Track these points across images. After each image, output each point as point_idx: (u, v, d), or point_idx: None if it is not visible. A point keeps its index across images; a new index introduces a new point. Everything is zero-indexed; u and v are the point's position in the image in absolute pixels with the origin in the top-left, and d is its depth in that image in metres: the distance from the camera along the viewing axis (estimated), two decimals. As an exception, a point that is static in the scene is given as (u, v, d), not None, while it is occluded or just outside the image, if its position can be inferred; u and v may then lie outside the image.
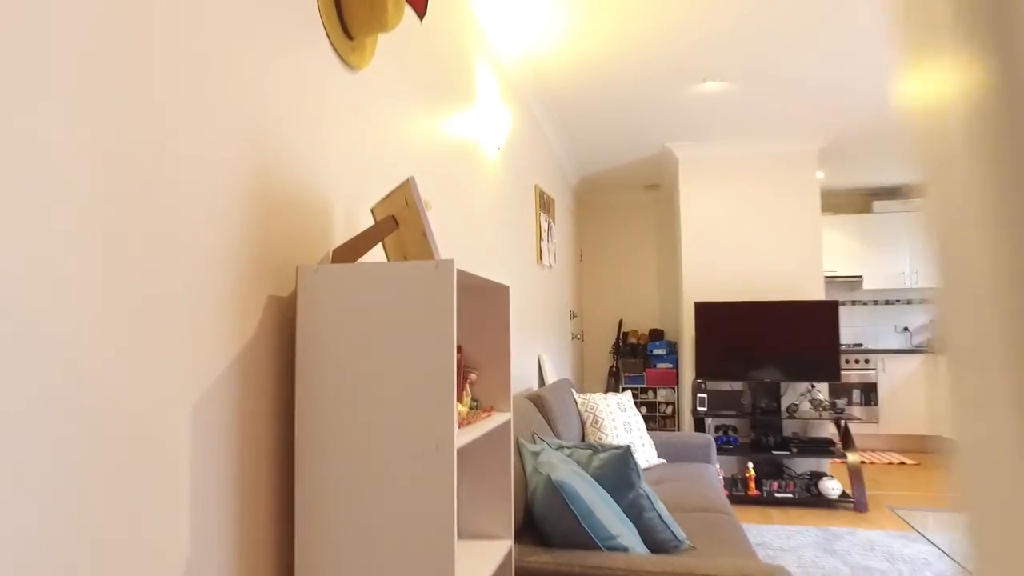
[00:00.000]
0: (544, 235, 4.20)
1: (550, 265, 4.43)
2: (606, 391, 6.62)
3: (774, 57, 3.49)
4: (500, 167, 3.09)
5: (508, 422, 1.50)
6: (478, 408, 1.48)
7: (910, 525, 3.33)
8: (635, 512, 1.99)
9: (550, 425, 2.80)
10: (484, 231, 2.75)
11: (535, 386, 3.84)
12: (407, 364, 1.10)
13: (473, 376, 1.49)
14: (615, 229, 6.82)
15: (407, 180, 1.21)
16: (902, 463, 5.64)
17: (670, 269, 6.67)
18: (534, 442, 2.19)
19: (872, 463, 5.60)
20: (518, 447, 1.96)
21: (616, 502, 1.97)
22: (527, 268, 3.71)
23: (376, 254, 1.59)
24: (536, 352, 3.91)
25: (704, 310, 4.79)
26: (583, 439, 3.37)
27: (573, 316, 5.70)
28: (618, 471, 1.98)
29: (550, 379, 3.98)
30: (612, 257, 6.83)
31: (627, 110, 4.30)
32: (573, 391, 3.55)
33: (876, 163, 5.84)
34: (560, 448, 2.20)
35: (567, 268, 5.49)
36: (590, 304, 6.83)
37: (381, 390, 1.11)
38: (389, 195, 1.32)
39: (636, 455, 3.35)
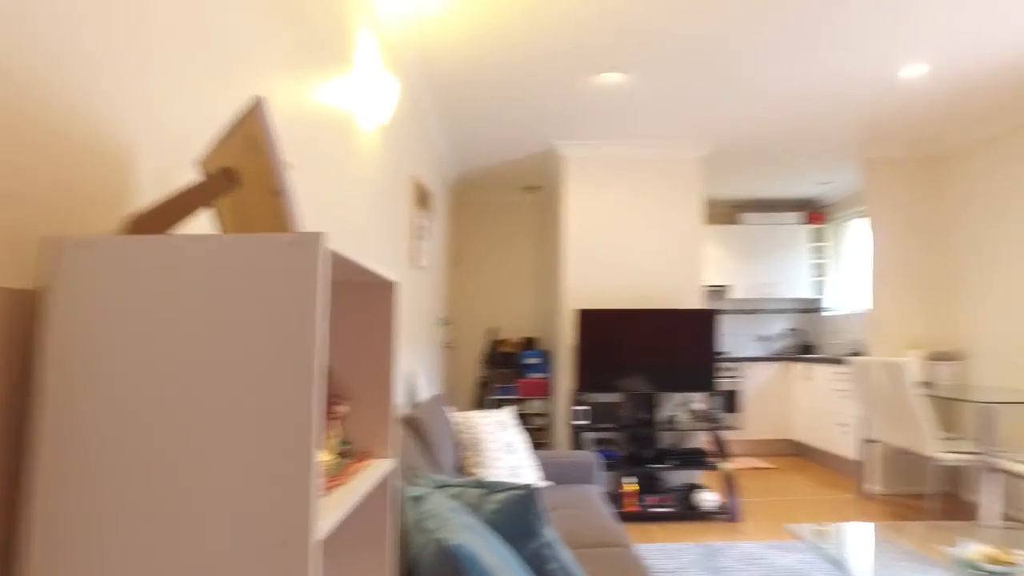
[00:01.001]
0: (420, 233, 3.78)
1: (424, 267, 4.01)
2: (476, 403, 6.28)
3: (676, 53, 3.33)
4: (378, 149, 2.64)
5: (392, 474, 1.08)
6: (349, 454, 1.05)
7: (795, 534, 3.21)
8: (536, 564, 1.64)
9: (427, 453, 2.39)
10: (357, 220, 2.30)
11: (406, 405, 3.41)
12: (238, 398, 0.66)
13: (343, 408, 1.06)
14: (490, 232, 6.52)
15: (252, 107, 0.77)
16: (762, 468, 5.79)
17: (547, 275, 6.47)
18: (413, 481, 1.77)
19: (736, 469, 5.70)
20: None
21: (517, 552, 1.60)
22: (401, 268, 3.27)
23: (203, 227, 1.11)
24: (409, 365, 3.48)
25: (587, 318, 4.58)
26: (459, 465, 2.99)
27: (447, 323, 5.30)
28: (519, 517, 1.62)
29: (423, 395, 3.56)
30: (486, 261, 6.52)
31: (516, 99, 3.99)
32: (449, 409, 3.16)
33: (745, 176, 5.99)
34: (445, 487, 1.80)
35: (441, 271, 5.09)
36: (463, 310, 6.47)
37: (191, 444, 0.66)
38: (223, 138, 0.86)
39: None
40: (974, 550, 2.05)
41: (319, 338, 0.65)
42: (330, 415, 1.06)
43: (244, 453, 0.66)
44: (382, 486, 1.10)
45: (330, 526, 0.70)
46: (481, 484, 1.78)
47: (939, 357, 4.86)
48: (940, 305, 5.01)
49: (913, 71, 3.62)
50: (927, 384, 4.60)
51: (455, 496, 1.77)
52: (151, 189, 1.01)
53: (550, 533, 1.73)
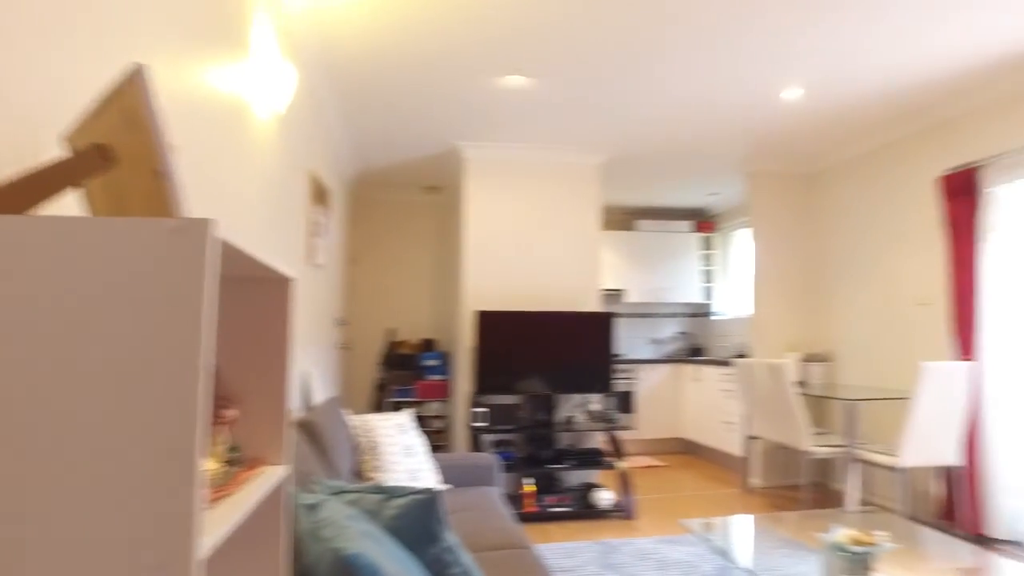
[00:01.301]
0: (317, 230, 3.64)
1: (321, 265, 3.87)
2: (373, 405, 6.13)
3: (578, 60, 3.39)
4: (273, 140, 2.51)
5: (286, 482, 1.01)
6: (238, 462, 0.98)
7: (688, 529, 3.33)
8: (438, 569, 1.60)
9: (323, 458, 2.29)
10: (249, 213, 2.17)
11: (300, 408, 3.26)
12: (109, 403, 0.59)
13: (232, 412, 0.98)
14: (390, 231, 6.40)
15: (131, 77, 0.69)
16: (654, 466, 6.02)
17: (447, 276, 6.42)
18: (308, 488, 1.69)
19: (630, 467, 5.89)
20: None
21: (418, 559, 1.56)
22: (294, 266, 3.13)
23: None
24: (303, 366, 3.33)
25: (487, 319, 4.58)
26: (357, 470, 2.89)
27: (343, 324, 5.14)
28: (420, 522, 1.58)
29: (318, 398, 3.42)
30: (385, 261, 6.38)
31: (419, 98, 3.92)
32: (346, 412, 3.05)
33: (640, 184, 6.21)
34: (341, 493, 1.73)
35: (338, 271, 4.93)
36: (360, 311, 6.30)
37: (51, 454, 0.58)
38: (95, 111, 0.77)
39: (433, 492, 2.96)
40: (841, 534, 2.20)
41: (205, 336, 0.59)
42: (218, 420, 0.98)
43: (114, 464, 0.58)
44: (275, 495, 1.02)
45: (214, 543, 0.64)
46: (380, 489, 1.72)
47: (812, 359, 5.24)
48: (813, 310, 5.41)
49: (792, 93, 3.88)
50: (802, 384, 4.95)
51: (353, 503, 1.70)
52: (5, 165, 0.89)
53: (451, 537, 1.70)
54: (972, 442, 3.79)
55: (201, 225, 0.59)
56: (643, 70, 3.53)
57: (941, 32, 3.10)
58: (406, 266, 6.40)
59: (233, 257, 0.74)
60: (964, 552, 2.59)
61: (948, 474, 3.93)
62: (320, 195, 3.74)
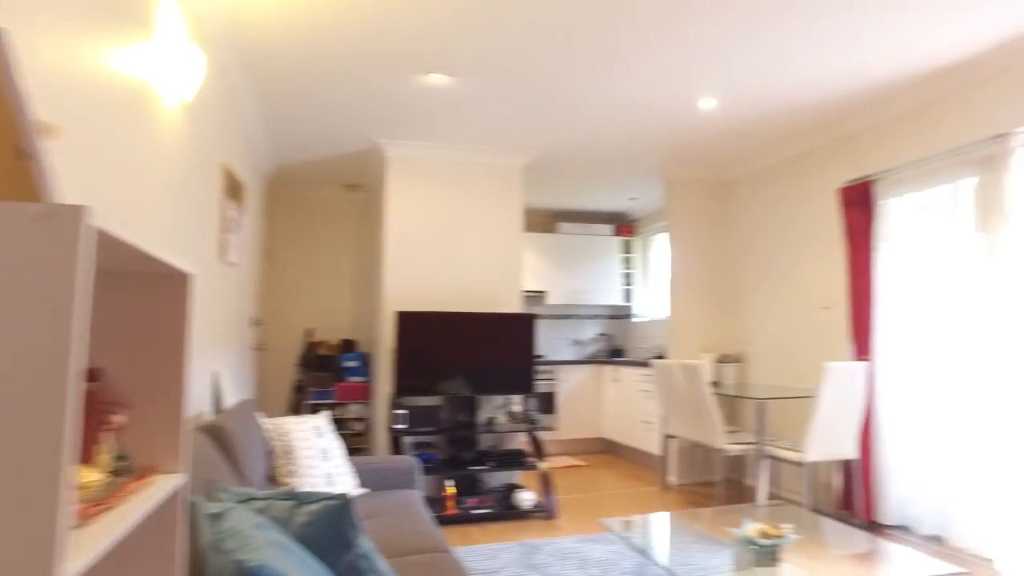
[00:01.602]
0: (230, 226, 3.47)
1: (235, 263, 3.70)
2: (291, 408, 5.93)
3: (501, 61, 3.38)
4: (180, 129, 2.37)
5: (181, 491, 0.94)
6: (126, 471, 0.90)
7: (607, 528, 3.39)
8: (351, 577, 1.55)
9: (232, 464, 2.18)
10: (153, 204, 2.03)
11: (209, 411, 3.10)
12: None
13: (119, 418, 0.90)
14: (309, 229, 6.21)
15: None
16: (575, 466, 6.10)
17: (368, 276, 6.29)
18: (213, 496, 1.60)
19: (551, 468, 5.94)
20: (189, 509, 1.37)
21: (330, 568, 1.50)
22: (207, 262, 2.97)
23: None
24: (212, 367, 3.17)
25: (407, 320, 4.51)
26: (271, 475, 2.78)
27: (258, 324, 4.94)
28: (332, 528, 1.52)
29: (229, 401, 3.27)
30: (304, 260, 6.19)
31: (339, 92, 3.82)
32: (259, 415, 2.92)
33: (562, 187, 6.28)
34: (250, 500, 1.64)
35: (253, 268, 4.73)
36: (276, 310, 6.08)
37: None
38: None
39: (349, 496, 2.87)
40: (751, 528, 2.29)
41: (76, 335, 0.53)
42: (103, 426, 0.91)
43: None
44: (169, 505, 0.95)
45: (87, 563, 0.58)
46: (291, 496, 1.65)
47: (725, 359, 5.45)
48: (726, 313, 5.63)
49: (707, 104, 4.02)
50: (716, 384, 5.13)
51: (261, 510, 1.62)
52: None
53: (366, 543, 1.65)
54: (867, 436, 4.03)
55: (72, 212, 0.53)
56: (566, 73, 3.57)
57: (842, 53, 3.28)
58: (325, 265, 6.23)
59: (117, 249, 0.68)
60: (859, 539, 2.74)
61: (847, 467, 4.17)
62: (234, 189, 3.58)
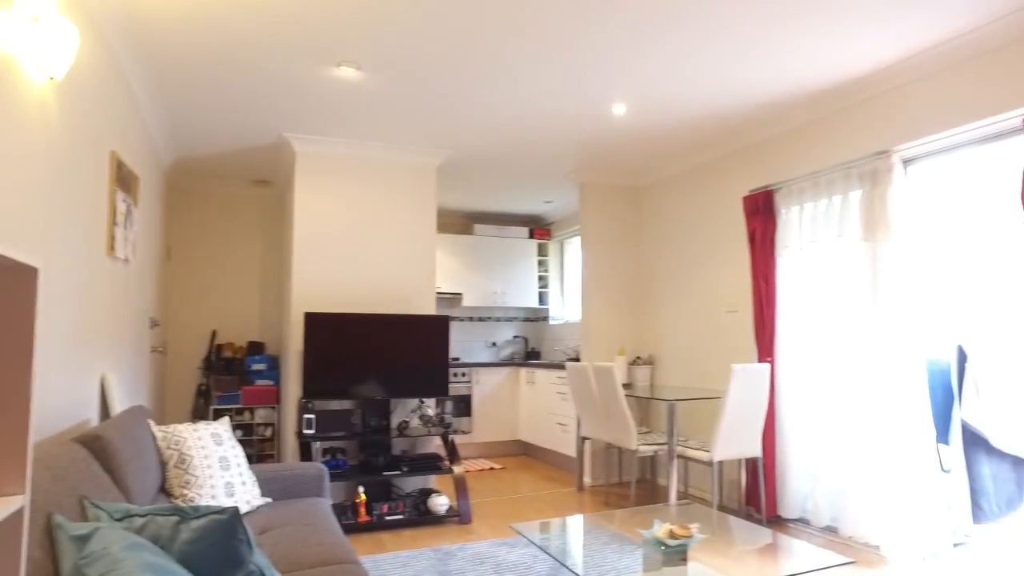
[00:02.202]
0: (121, 219, 3.22)
1: (127, 259, 3.43)
2: (194, 413, 5.60)
3: (415, 56, 3.30)
4: (55, 108, 2.16)
5: (19, 513, 0.82)
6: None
7: (520, 533, 3.38)
8: (243, 597, 1.44)
9: (114, 477, 2.00)
10: (14, 192, 1.83)
11: (95, 419, 2.85)
12: None
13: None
14: (213, 226, 5.89)
15: None
16: (491, 468, 6.06)
17: (276, 275, 6.04)
18: (83, 515, 1.44)
19: (467, 471, 5.88)
20: (50, 532, 1.22)
21: (216, 590, 1.38)
22: (93, 258, 2.74)
23: None
24: (99, 371, 2.92)
25: (316, 321, 4.34)
26: (163, 487, 2.58)
27: (155, 325, 4.62)
28: (221, 545, 1.40)
29: (118, 407, 3.02)
30: (208, 258, 5.86)
31: (244, 82, 3.62)
32: (151, 423, 2.71)
33: (478, 188, 6.25)
34: (128, 518, 1.50)
35: (150, 265, 4.43)
36: (178, 311, 5.72)
37: None
38: None
39: (240, 506, 2.70)
40: (660, 529, 2.32)
41: None
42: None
43: None
44: (10, 531, 0.83)
45: None
46: (176, 511, 1.51)
47: (637, 362, 5.56)
48: (638, 316, 5.75)
49: (619, 110, 4.08)
50: (628, 386, 5.23)
51: (140, 528, 1.48)
52: None
53: (260, 559, 1.54)
54: (770, 435, 4.20)
55: None
56: (478, 73, 3.53)
57: (741, 69, 3.40)
58: (231, 264, 5.92)
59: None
60: (762, 535, 2.84)
61: (752, 465, 4.33)
62: (126, 181, 3.32)
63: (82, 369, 2.62)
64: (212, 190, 5.87)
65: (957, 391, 3.74)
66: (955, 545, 3.55)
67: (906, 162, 3.60)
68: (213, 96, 3.84)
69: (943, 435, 3.72)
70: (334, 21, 2.96)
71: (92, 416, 2.81)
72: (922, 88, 3.41)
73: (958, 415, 3.72)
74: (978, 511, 3.57)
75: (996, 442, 3.67)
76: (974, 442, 3.67)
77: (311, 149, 4.66)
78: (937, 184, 3.69)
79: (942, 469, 3.64)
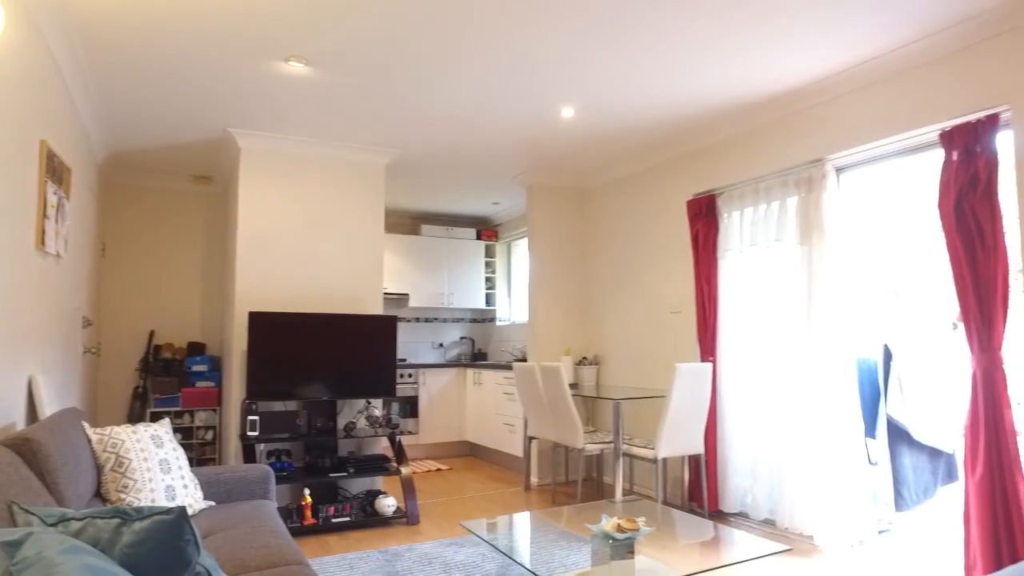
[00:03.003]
0: (52, 212, 3.08)
1: (58, 254, 3.29)
2: (130, 416, 5.39)
3: (364, 52, 3.27)
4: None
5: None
6: None
7: (469, 530, 3.39)
8: (188, 599, 1.40)
9: (45, 481, 1.92)
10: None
11: (21, 422, 2.72)
12: None
13: None
14: (151, 223, 5.68)
15: None
16: (439, 469, 6.04)
17: (219, 274, 5.87)
18: (12, 521, 1.38)
19: (415, 472, 5.85)
20: (-18, 536, 1.16)
21: (161, 592, 1.34)
22: (20, 251, 2.61)
23: None
24: (25, 372, 2.79)
25: (261, 321, 4.24)
26: (98, 491, 2.48)
27: (88, 324, 4.43)
28: (166, 546, 1.36)
29: (47, 410, 2.88)
30: (145, 256, 5.65)
31: (185, 74, 3.51)
32: (85, 425, 2.60)
33: (426, 189, 6.23)
34: (64, 522, 1.44)
35: (83, 263, 4.24)
36: (113, 311, 5.50)
37: None
38: None
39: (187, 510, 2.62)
40: (608, 523, 2.37)
41: None
42: None
43: None
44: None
45: None
46: (117, 513, 1.46)
47: (584, 362, 5.65)
48: (584, 317, 5.84)
49: (568, 112, 4.14)
50: (575, 385, 5.30)
51: (77, 532, 1.43)
52: None
53: (208, 561, 1.50)
54: (712, 432, 4.33)
55: None
56: (427, 72, 3.52)
57: (692, 75, 3.51)
58: (170, 262, 5.73)
59: None
60: (705, 527, 2.93)
61: (694, 461, 4.45)
62: (58, 172, 3.18)
63: (6, 370, 2.50)
64: (150, 185, 5.67)
65: (883, 388, 3.95)
66: (880, 532, 3.75)
67: (839, 170, 3.77)
68: (152, 88, 3.71)
69: (871, 430, 3.92)
70: (283, 13, 2.91)
71: (18, 420, 2.68)
72: (853, 101, 3.59)
73: (884, 410, 3.93)
74: (900, 500, 3.78)
75: (917, 435, 3.89)
76: (897, 435, 3.88)
77: (257, 145, 4.56)
78: (866, 192, 3.90)
79: (870, 462, 3.84)
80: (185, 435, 5.27)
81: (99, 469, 2.51)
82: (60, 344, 3.52)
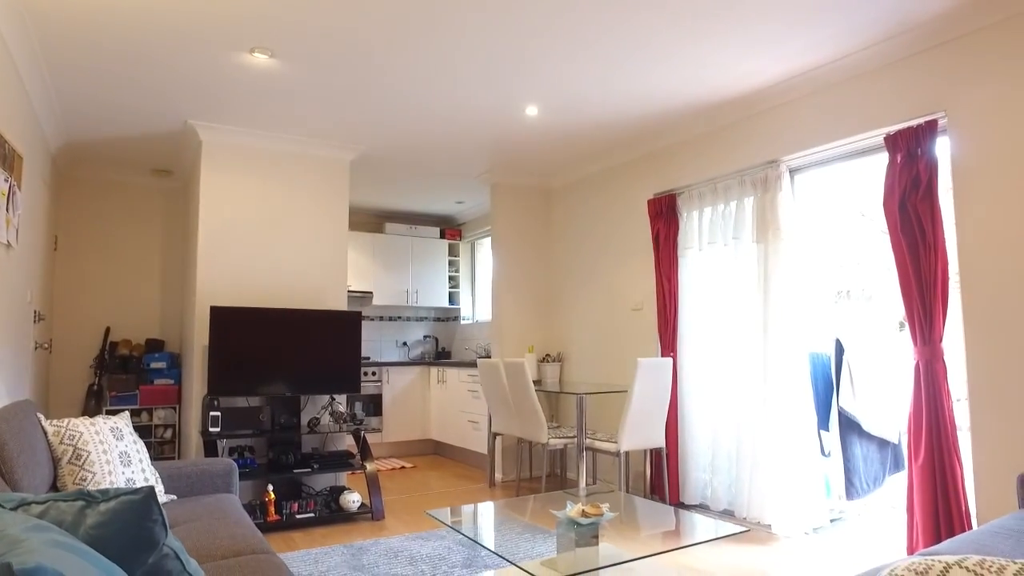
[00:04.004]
0: (2, 200, 3.00)
1: (8, 244, 3.20)
2: (84, 414, 5.23)
3: (330, 46, 3.27)
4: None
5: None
6: None
7: (436, 519, 3.41)
8: (156, 580, 1.40)
9: (0, 471, 1.88)
10: None
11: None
12: None
13: None
14: (109, 216, 5.55)
15: None
16: (403, 467, 6.03)
17: (179, 270, 5.76)
18: (-21, 500, 1.35)
19: (379, 470, 5.82)
20: (-53, 513, 1.15)
21: (129, 573, 1.34)
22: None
23: None
24: (-22, 365, 2.71)
25: (223, 316, 4.19)
26: (55, 485, 2.43)
27: (40, 319, 4.31)
28: (133, 526, 1.36)
29: (1, 403, 2.81)
30: (101, 250, 5.51)
31: (143, 63, 3.46)
32: (40, 416, 2.54)
33: (390, 187, 6.21)
34: (24, 506, 1.42)
35: (35, 255, 4.12)
36: (66, 306, 5.35)
37: None
38: None
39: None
40: (573, 509, 2.42)
41: None
42: None
43: None
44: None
45: None
46: (81, 495, 1.45)
47: (547, 359, 5.71)
48: (547, 314, 5.90)
49: (532, 111, 4.20)
50: (538, 382, 5.36)
51: (39, 515, 1.41)
52: None
53: (175, 542, 1.50)
54: (672, 426, 4.43)
55: None
56: (392, 68, 3.54)
57: (655, 77, 3.60)
58: (127, 257, 5.60)
59: None
60: (666, 513, 3.01)
61: (656, 455, 4.55)
62: (8, 159, 3.09)
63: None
64: (107, 178, 5.53)
65: (835, 382, 4.10)
66: (832, 521, 3.89)
67: (793, 171, 3.91)
68: (109, 77, 3.64)
69: (824, 422, 4.06)
70: (249, 2, 2.89)
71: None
72: (806, 104, 3.73)
73: (836, 403, 4.08)
74: (851, 488, 3.93)
75: (867, 426, 4.05)
76: (848, 427, 4.04)
77: (219, 138, 4.50)
78: (819, 192, 4.05)
79: (823, 453, 3.98)
80: (143, 433, 5.16)
81: (56, 462, 2.46)
82: (10, 338, 3.43)
